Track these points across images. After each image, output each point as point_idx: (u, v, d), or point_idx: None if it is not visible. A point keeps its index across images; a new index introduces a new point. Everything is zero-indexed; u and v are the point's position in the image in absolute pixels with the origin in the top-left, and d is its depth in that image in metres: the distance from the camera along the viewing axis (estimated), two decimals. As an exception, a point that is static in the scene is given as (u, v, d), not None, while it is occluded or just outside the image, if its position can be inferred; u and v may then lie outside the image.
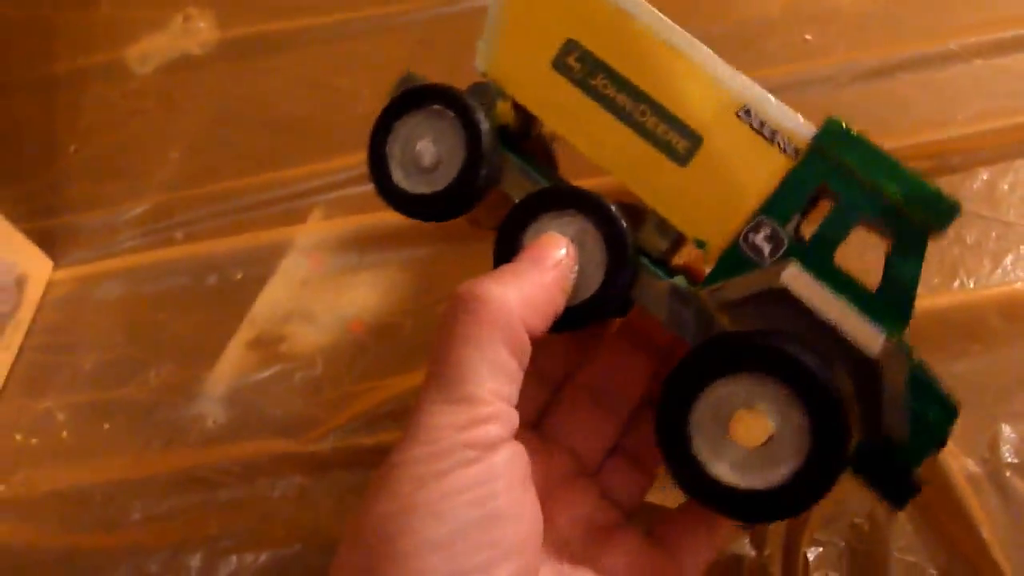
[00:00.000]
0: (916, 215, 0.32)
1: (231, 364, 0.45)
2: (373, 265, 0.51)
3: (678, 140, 0.35)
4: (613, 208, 0.35)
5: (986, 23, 0.56)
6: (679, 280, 0.34)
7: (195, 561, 0.40)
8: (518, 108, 0.37)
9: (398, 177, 0.37)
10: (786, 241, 0.33)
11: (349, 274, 0.50)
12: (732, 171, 0.34)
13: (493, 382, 0.29)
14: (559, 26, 0.36)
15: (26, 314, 0.45)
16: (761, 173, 0.34)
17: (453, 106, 0.36)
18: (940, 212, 0.32)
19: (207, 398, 0.44)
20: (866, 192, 0.33)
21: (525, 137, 0.40)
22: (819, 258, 0.33)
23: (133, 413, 0.44)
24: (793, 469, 0.30)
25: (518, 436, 0.30)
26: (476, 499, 0.27)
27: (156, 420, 0.43)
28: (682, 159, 0.35)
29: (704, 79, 0.34)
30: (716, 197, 0.35)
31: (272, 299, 0.49)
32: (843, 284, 0.33)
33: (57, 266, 0.48)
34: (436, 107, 0.36)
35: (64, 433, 0.43)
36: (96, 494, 0.42)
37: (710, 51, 0.35)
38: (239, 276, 0.49)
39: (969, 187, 0.52)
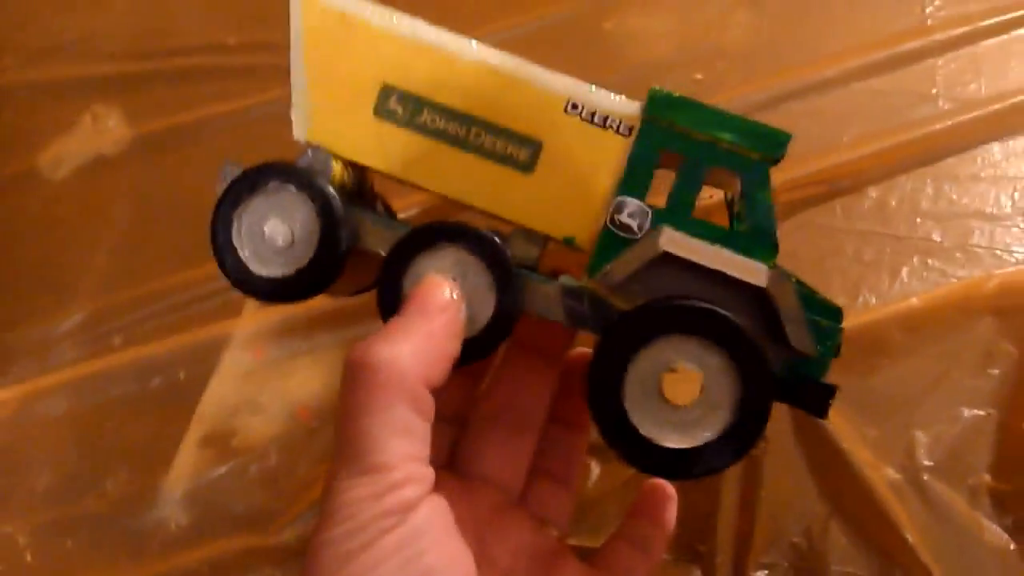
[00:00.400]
0: (753, 152, 0.35)
1: (186, 465, 0.46)
2: (314, 349, 0.52)
3: (518, 151, 0.37)
4: (484, 231, 0.36)
5: (858, 48, 0.60)
6: (566, 279, 0.36)
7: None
8: (350, 166, 0.38)
9: (254, 266, 0.36)
10: (649, 212, 0.35)
11: (290, 360, 0.52)
12: (578, 164, 0.36)
13: (400, 446, 0.29)
14: (368, 75, 0.36)
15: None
16: (605, 158, 0.36)
17: (293, 179, 0.35)
18: (773, 143, 0.35)
19: (167, 502, 0.45)
20: (704, 146, 0.35)
21: (362, 194, 0.41)
22: (682, 217, 0.35)
23: (94, 527, 0.44)
24: (732, 408, 0.33)
25: (435, 481, 0.30)
26: (404, 561, 0.27)
27: (119, 531, 0.44)
28: (527, 167, 0.37)
29: (524, 86, 0.36)
30: (570, 193, 0.36)
31: (218, 395, 0.50)
32: (710, 233, 0.35)
33: (-3, 387, 0.47)
34: (274, 184, 0.35)
35: (28, 556, 0.43)
36: (68, 615, 0.42)
37: (520, 59, 0.37)
38: (182, 375, 0.50)
39: (861, 206, 0.55)
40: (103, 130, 0.49)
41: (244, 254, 0.36)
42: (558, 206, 0.37)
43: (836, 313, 0.35)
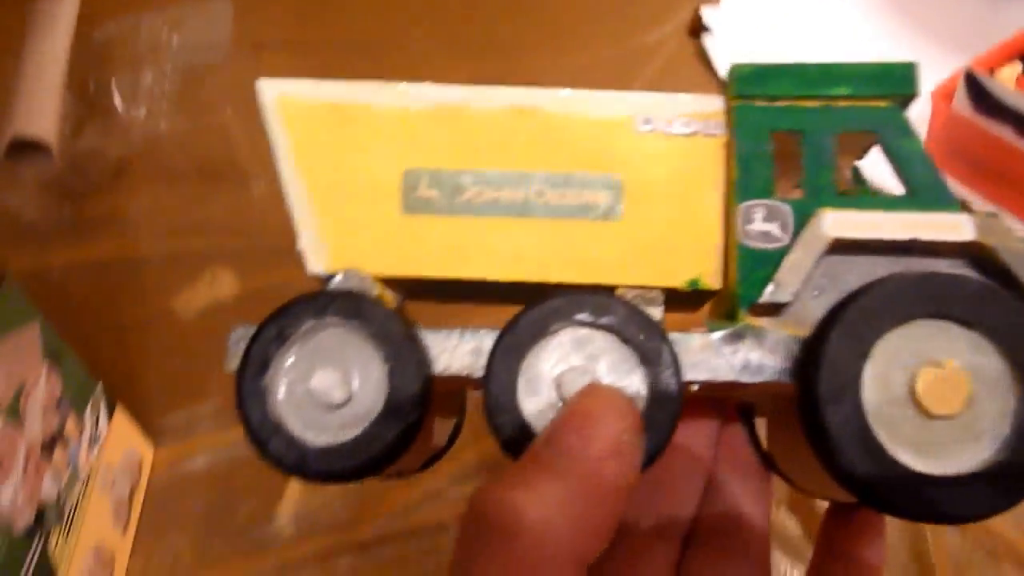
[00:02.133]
0: (879, 99, 0.28)
1: (292, 494, 0.56)
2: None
3: (595, 197, 0.29)
4: (608, 295, 0.27)
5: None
6: (713, 324, 0.28)
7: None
8: (390, 286, 0.30)
9: (311, 437, 0.27)
10: (788, 207, 0.28)
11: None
12: (673, 189, 0.29)
13: None
14: (384, 167, 0.29)
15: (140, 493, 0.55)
16: (704, 169, 0.29)
17: (333, 310, 0.27)
18: (898, 79, 0.28)
19: (280, 518, 0.55)
20: (819, 112, 0.28)
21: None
22: (828, 199, 0.27)
23: (233, 535, 0.55)
24: (1004, 433, 0.25)
25: None
26: None
27: (249, 539, 0.55)
28: (612, 213, 0.29)
29: (576, 118, 0.29)
30: (675, 226, 0.29)
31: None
32: (872, 205, 0.27)
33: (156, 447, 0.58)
34: (309, 325, 0.27)
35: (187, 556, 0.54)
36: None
37: (556, 89, 0.29)
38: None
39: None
40: (219, 284, 0.63)
41: (294, 428, 0.27)
42: (665, 248, 0.29)
43: None
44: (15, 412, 0.41)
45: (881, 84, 0.28)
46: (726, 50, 0.49)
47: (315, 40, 0.79)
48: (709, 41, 0.49)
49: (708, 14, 0.51)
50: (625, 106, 0.29)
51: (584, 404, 0.24)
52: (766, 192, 0.28)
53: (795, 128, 0.28)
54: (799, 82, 0.28)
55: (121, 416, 0.53)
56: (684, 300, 0.30)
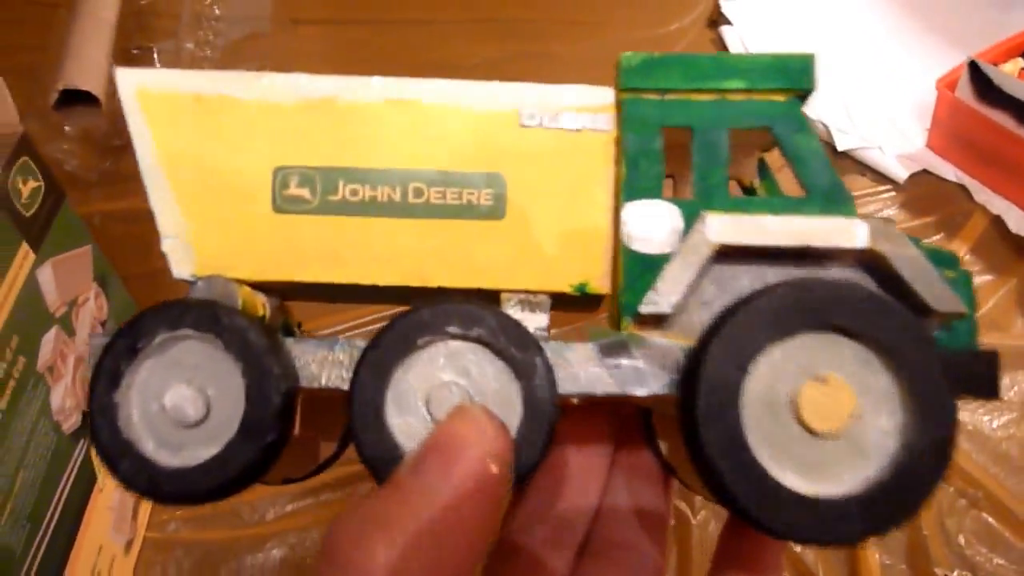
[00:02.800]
0: (775, 92, 0.26)
1: None
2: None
3: (477, 195, 0.27)
4: (475, 305, 0.25)
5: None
6: (595, 332, 0.26)
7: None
8: (260, 290, 0.29)
9: (166, 458, 0.25)
10: (675, 209, 0.26)
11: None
12: (559, 188, 0.27)
13: None
14: (253, 163, 0.27)
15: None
16: (591, 166, 0.27)
17: (188, 321, 0.25)
18: (795, 73, 0.26)
19: None
20: (711, 105, 0.26)
21: (286, 326, 0.31)
22: (719, 200, 0.26)
23: None
24: (888, 452, 0.24)
25: None
26: None
27: None
28: (494, 212, 0.27)
29: (454, 112, 0.27)
30: (561, 227, 0.27)
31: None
32: (762, 208, 0.26)
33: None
34: (162, 337, 0.25)
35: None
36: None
37: (436, 81, 0.27)
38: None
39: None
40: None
41: (147, 447, 0.25)
42: (551, 250, 0.27)
43: (951, 259, 0.26)
44: (67, 323, 0.44)
45: (777, 77, 0.26)
46: (744, 41, 0.49)
47: (348, 18, 0.80)
48: (728, 32, 0.49)
49: (727, 6, 0.51)
50: (508, 98, 0.27)
51: (449, 428, 0.23)
52: (654, 192, 0.26)
53: (686, 123, 0.26)
54: (691, 74, 0.26)
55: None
56: (579, 302, 0.28)
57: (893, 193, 0.65)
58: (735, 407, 0.23)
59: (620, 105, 0.27)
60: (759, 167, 0.30)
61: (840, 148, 0.42)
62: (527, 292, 0.27)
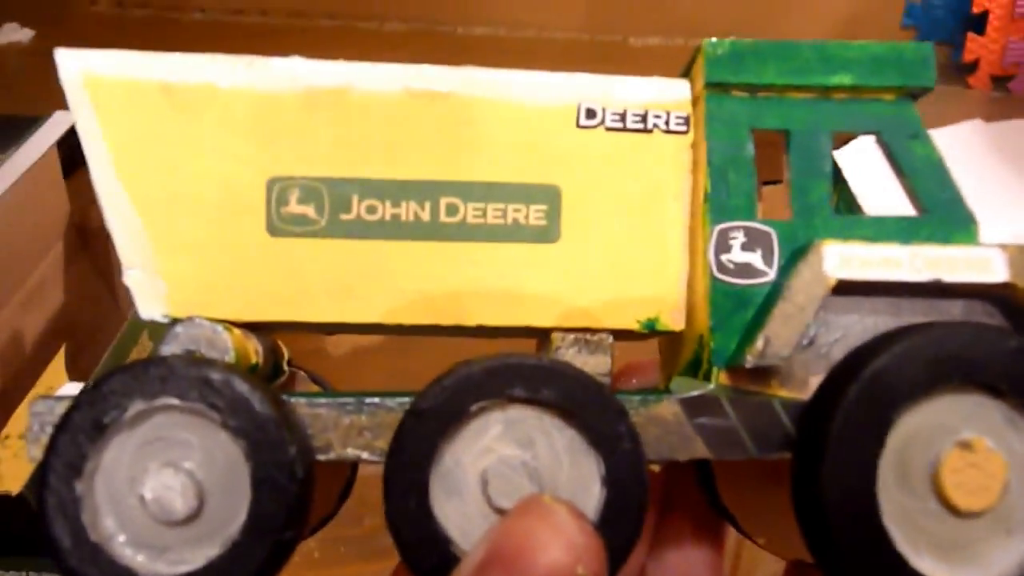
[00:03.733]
0: (889, 90, 0.22)
1: None
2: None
3: (524, 213, 0.22)
4: (544, 360, 0.20)
5: None
6: (678, 385, 0.22)
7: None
8: (251, 333, 0.23)
9: (144, 563, 0.19)
10: (772, 232, 0.22)
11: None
12: (624, 201, 0.22)
13: None
14: (241, 173, 0.21)
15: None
16: (664, 177, 0.22)
17: (172, 388, 0.19)
18: (911, 67, 0.22)
19: None
20: (812, 103, 0.22)
21: (277, 372, 0.25)
22: (823, 221, 0.22)
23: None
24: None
25: None
26: None
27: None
28: (547, 234, 0.22)
29: (501, 107, 0.22)
30: (627, 249, 0.22)
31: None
32: (877, 231, 0.22)
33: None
34: (137, 409, 0.19)
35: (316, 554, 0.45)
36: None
37: (467, 70, 0.22)
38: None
39: None
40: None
41: (122, 552, 0.19)
42: (614, 278, 0.22)
43: None
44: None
45: (889, 71, 0.22)
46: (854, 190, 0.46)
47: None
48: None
49: (838, 155, 0.48)
50: (563, 91, 0.22)
51: (518, 527, 0.18)
52: (747, 211, 0.22)
53: (782, 126, 0.22)
54: (789, 67, 0.22)
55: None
56: (649, 337, 0.24)
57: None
58: (871, 486, 0.19)
59: (701, 102, 0.22)
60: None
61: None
62: (585, 330, 0.22)
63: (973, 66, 0.64)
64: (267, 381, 0.24)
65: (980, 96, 0.64)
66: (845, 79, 0.22)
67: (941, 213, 0.22)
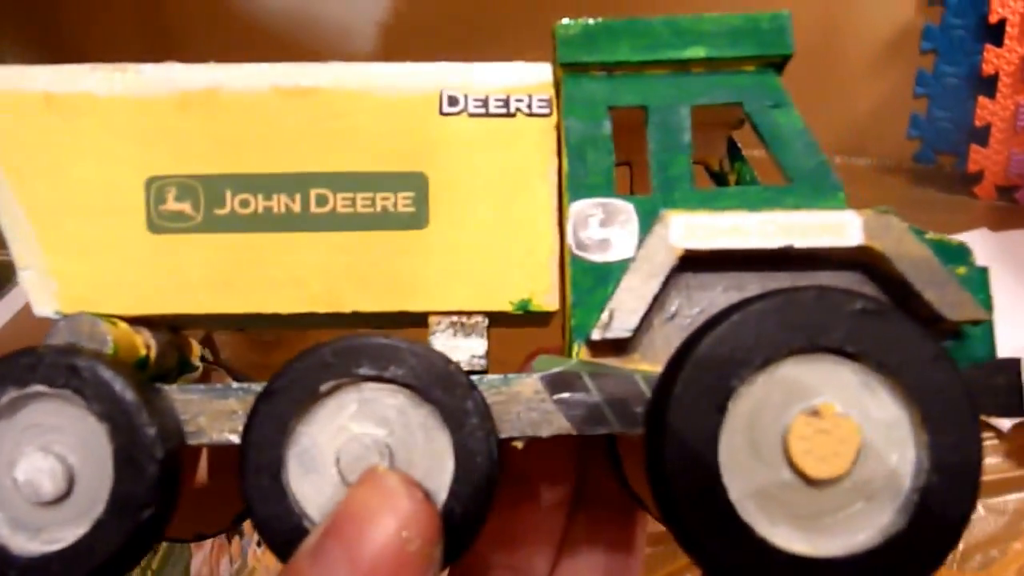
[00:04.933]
0: (746, 61, 0.22)
1: None
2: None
3: (392, 200, 0.22)
4: (388, 339, 0.21)
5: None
6: (542, 363, 0.22)
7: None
8: (139, 325, 0.23)
9: (19, 543, 0.20)
10: (630, 206, 0.22)
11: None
12: (490, 185, 0.22)
13: None
14: (121, 174, 0.22)
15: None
16: (527, 158, 0.22)
17: (40, 377, 0.20)
18: (768, 35, 0.22)
19: None
20: (669, 80, 0.22)
21: (182, 363, 0.26)
22: (682, 194, 0.22)
23: None
24: (902, 492, 0.19)
25: None
26: None
27: None
28: (416, 220, 0.22)
29: (361, 99, 0.22)
30: (495, 233, 0.22)
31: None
32: (735, 201, 0.22)
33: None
34: (10, 397, 0.20)
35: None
36: None
37: (331, 65, 0.23)
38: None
39: None
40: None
41: (0, 531, 0.20)
42: (485, 261, 0.23)
43: (961, 252, 0.21)
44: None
45: (747, 42, 0.22)
46: None
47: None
48: None
49: None
50: (424, 79, 0.23)
51: (353, 501, 0.19)
52: (605, 188, 0.22)
53: (639, 103, 0.22)
54: (643, 43, 0.22)
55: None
56: (522, 321, 0.24)
57: (996, 441, 0.57)
58: (713, 456, 0.19)
59: (559, 84, 0.22)
60: (728, 148, 0.26)
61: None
62: (460, 313, 0.23)
63: (978, 176, 0.63)
64: (172, 375, 0.25)
65: (986, 206, 0.63)
66: (699, 51, 0.22)
67: (807, 181, 0.22)
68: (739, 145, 0.26)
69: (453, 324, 0.23)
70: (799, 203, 0.21)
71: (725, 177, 0.26)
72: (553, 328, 0.25)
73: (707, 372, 0.19)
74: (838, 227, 0.20)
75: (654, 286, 0.20)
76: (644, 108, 0.22)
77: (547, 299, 0.23)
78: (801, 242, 0.20)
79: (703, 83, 0.22)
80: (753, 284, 0.21)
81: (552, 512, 0.27)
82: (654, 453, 0.19)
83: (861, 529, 0.19)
